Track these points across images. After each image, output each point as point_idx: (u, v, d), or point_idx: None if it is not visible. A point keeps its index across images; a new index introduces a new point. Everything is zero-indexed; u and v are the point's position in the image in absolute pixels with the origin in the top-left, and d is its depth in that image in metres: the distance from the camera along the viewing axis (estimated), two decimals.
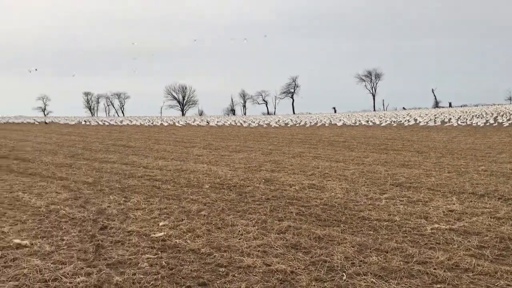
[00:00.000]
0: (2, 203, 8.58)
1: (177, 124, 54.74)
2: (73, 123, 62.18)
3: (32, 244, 5.98)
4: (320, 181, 10.73)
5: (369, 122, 47.43)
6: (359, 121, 49.07)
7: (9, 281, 4.73)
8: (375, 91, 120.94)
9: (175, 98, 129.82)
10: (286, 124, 51.00)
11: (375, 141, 22.80)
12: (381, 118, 53.53)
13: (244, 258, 5.39)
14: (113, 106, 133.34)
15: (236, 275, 4.94)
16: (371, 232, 6.47)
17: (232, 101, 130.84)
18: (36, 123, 62.90)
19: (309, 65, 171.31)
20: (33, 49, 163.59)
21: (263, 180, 10.85)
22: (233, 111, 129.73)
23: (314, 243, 5.99)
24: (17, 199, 8.95)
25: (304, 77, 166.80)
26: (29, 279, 4.79)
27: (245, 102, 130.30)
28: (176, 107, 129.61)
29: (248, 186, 10.11)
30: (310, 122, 50.01)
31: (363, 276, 4.86)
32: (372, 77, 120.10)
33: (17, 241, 6.06)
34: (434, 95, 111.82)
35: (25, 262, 5.30)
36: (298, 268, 5.11)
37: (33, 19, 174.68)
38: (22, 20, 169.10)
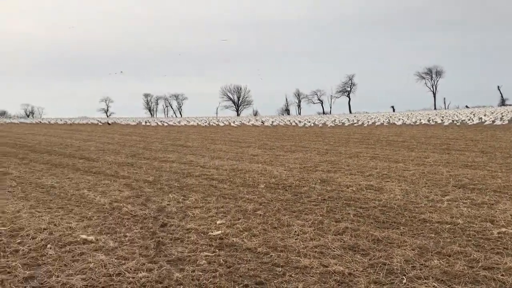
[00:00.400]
0: (69, 200, 9.04)
1: (232, 124, 55.45)
2: (134, 123, 64.58)
3: (97, 239, 6.26)
4: (378, 182, 10.49)
5: (430, 121, 45.83)
6: (419, 120, 47.53)
7: (77, 275, 4.98)
8: (435, 89, 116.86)
9: (230, 99, 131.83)
10: (343, 123, 50.29)
11: (436, 141, 21.98)
12: (443, 117, 51.55)
13: (301, 259, 5.37)
14: (171, 107, 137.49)
15: (293, 275, 4.93)
16: (433, 235, 6.25)
17: (286, 100, 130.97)
18: (99, 124, 65.90)
19: (367, 63, 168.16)
20: (94, 53, 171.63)
21: (319, 181, 10.76)
22: (287, 111, 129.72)
23: (373, 245, 5.87)
24: (82, 197, 9.39)
25: (361, 75, 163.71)
26: (95, 273, 5.01)
27: (299, 101, 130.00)
28: (231, 107, 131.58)
29: (303, 187, 10.06)
30: (368, 122, 49.01)
31: (424, 280, 4.70)
32: (432, 75, 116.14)
33: (84, 236, 6.36)
34: (500, 93, 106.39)
35: (91, 257, 5.56)
36: (356, 270, 5.03)
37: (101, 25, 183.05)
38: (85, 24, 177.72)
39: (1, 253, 5.73)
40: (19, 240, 6.28)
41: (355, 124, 47.34)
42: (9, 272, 5.08)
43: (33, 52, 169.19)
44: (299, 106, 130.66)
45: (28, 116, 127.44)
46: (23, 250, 5.85)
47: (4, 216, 7.68)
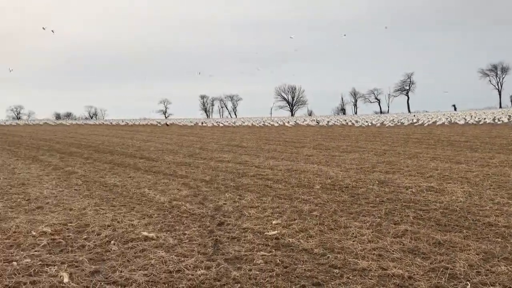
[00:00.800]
0: (131, 198, 9.38)
1: (286, 124, 55.44)
2: (191, 124, 66.07)
3: (158, 237, 6.45)
4: (439, 183, 10.12)
5: (496, 120, 43.62)
6: (484, 119, 45.38)
7: (139, 270, 5.17)
8: (501, 86, 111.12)
9: (284, 99, 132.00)
10: (402, 123, 48.93)
11: (502, 141, 20.89)
12: (510, 115, 48.89)
13: (358, 261, 5.28)
14: (226, 108, 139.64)
15: (351, 277, 4.86)
16: (499, 240, 5.94)
17: (342, 100, 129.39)
18: (158, 125, 67.95)
19: (425, 61, 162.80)
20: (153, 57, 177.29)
21: (376, 182, 10.52)
22: (343, 110, 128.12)
23: (434, 248, 5.67)
24: (143, 195, 9.71)
25: (419, 73, 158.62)
26: (156, 270, 5.17)
27: (356, 101, 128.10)
28: (286, 107, 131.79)
29: (361, 188, 9.88)
30: (428, 121, 47.39)
31: (490, 287, 4.49)
32: (497, 71, 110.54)
33: (145, 233, 6.58)
34: None
35: (152, 253, 5.74)
36: (417, 273, 4.88)
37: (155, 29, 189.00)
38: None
39: (69, 248, 6.05)
40: (85, 236, 6.59)
41: (415, 124, 45.93)
42: (76, 266, 5.35)
43: (96, 57, 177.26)
44: (355, 105, 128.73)
45: (91, 117, 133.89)
46: (89, 245, 6.14)
47: (71, 213, 8.10)
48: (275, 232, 6.54)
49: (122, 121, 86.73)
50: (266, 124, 59.84)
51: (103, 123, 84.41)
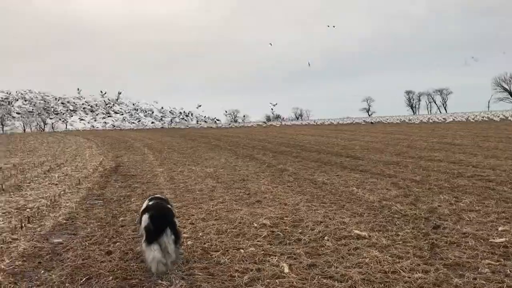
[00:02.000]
0: (340, 196, 9.54)
1: (510, 118, 49.22)
2: (397, 122, 64.07)
3: (370, 236, 6.41)
4: None
5: None
6: None
7: (354, 268, 5.21)
8: None
9: (506, 90, 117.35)
10: None
11: None
12: None
13: None
14: (435, 103, 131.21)
15: None
16: None
17: None
18: (362, 123, 67.78)
19: None
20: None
21: None
22: None
23: None
24: (352, 193, 9.77)
25: None
26: (370, 268, 5.14)
27: None
28: (507, 99, 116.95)
29: None
30: None
31: None
32: None
33: (357, 232, 6.60)
34: None
35: (365, 252, 5.72)
36: None
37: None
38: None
39: (287, 241, 6.45)
40: (300, 230, 6.95)
41: None
42: (295, 258, 5.68)
43: (297, 61, 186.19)
44: None
45: (297, 118, 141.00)
46: (304, 239, 6.45)
47: (286, 207, 8.65)
48: (503, 239, 5.85)
49: (327, 121, 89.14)
50: (483, 119, 54.14)
51: (308, 123, 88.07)
